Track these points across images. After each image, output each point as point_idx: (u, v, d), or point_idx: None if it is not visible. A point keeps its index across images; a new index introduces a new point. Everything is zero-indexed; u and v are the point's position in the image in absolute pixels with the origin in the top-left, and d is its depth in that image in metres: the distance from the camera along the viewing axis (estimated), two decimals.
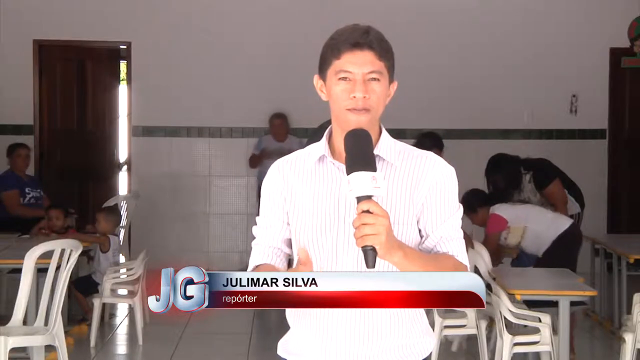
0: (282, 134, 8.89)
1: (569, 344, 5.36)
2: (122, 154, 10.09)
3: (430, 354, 2.26)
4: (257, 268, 2.24)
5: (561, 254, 5.83)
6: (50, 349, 5.08)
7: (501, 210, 6.03)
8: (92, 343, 6.23)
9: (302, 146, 9.26)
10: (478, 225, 6.22)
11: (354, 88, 2.10)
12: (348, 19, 2.39)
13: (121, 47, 9.69)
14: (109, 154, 10.02)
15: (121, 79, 11.01)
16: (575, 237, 6.03)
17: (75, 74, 9.55)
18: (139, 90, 9.27)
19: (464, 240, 2.20)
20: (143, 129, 9.31)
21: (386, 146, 2.19)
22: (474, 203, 6.09)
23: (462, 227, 2.22)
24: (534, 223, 5.93)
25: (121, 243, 7.75)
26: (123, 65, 10.54)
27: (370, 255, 1.91)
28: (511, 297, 4.86)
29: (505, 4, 9.35)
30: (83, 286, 6.71)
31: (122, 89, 10.50)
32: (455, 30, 9.22)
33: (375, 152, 2.13)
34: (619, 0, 9.34)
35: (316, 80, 2.21)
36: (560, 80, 9.35)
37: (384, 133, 2.21)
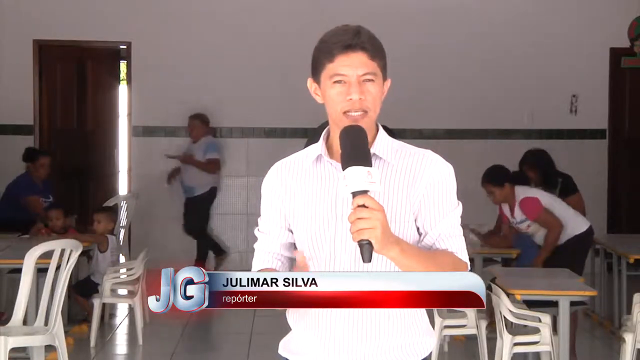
0: (194, 135, 8.77)
1: (571, 347, 5.35)
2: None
3: (431, 353, 2.26)
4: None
5: (573, 254, 5.82)
6: (50, 349, 5.08)
7: (533, 193, 5.93)
8: (92, 343, 6.23)
9: (210, 149, 9.17)
10: (497, 203, 6.10)
11: (349, 90, 2.11)
12: (347, 19, 2.39)
13: (121, 47, 9.70)
14: (109, 154, 10.03)
15: (121, 79, 11.01)
16: (590, 241, 6.03)
17: (75, 74, 9.54)
18: (139, 90, 9.27)
19: (463, 238, 2.20)
20: (143, 129, 9.31)
21: (383, 144, 2.19)
22: (502, 177, 5.98)
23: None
24: (558, 215, 5.89)
25: (121, 243, 7.76)
26: (123, 65, 10.55)
27: (366, 249, 1.91)
28: (511, 297, 4.86)
29: (506, 4, 9.35)
30: (83, 289, 6.71)
31: (122, 89, 10.51)
32: (456, 30, 9.22)
33: (372, 150, 2.13)
34: (619, 0, 9.34)
35: (310, 83, 2.22)
36: (560, 80, 9.35)
37: (381, 132, 2.22)
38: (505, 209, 6.11)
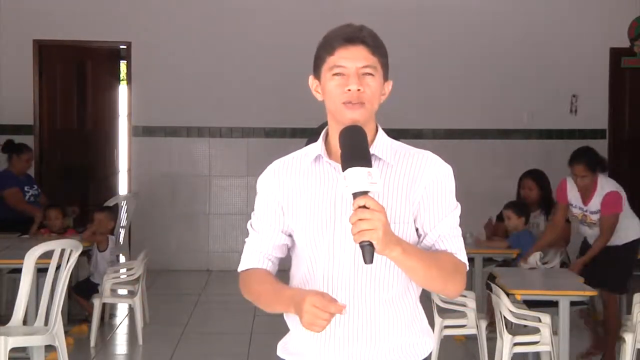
0: None
1: (612, 329, 5.36)
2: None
3: (430, 353, 2.26)
4: (247, 272, 2.27)
5: (628, 260, 5.75)
6: (50, 349, 5.08)
7: (616, 187, 5.67)
8: (92, 343, 6.23)
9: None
10: (582, 186, 5.62)
11: (347, 81, 2.10)
12: (349, 20, 2.39)
13: (121, 47, 9.70)
14: (109, 154, 10.03)
15: (121, 79, 11.01)
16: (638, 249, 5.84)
17: (75, 74, 9.54)
18: (139, 90, 9.27)
19: (462, 238, 2.20)
20: (143, 129, 9.31)
21: (382, 145, 2.19)
22: (597, 163, 5.61)
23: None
24: (623, 215, 5.70)
25: (121, 242, 7.76)
26: (123, 65, 10.55)
27: (367, 250, 1.91)
28: (511, 297, 4.86)
29: (506, 4, 9.36)
30: (83, 289, 6.70)
31: (122, 89, 10.51)
32: (456, 31, 9.23)
33: (372, 151, 2.12)
34: (619, 0, 9.34)
35: (311, 81, 2.21)
36: (560, 80, 9.35)
37: (380, 132, 2.21)
38: (574, 194, 5.72)
